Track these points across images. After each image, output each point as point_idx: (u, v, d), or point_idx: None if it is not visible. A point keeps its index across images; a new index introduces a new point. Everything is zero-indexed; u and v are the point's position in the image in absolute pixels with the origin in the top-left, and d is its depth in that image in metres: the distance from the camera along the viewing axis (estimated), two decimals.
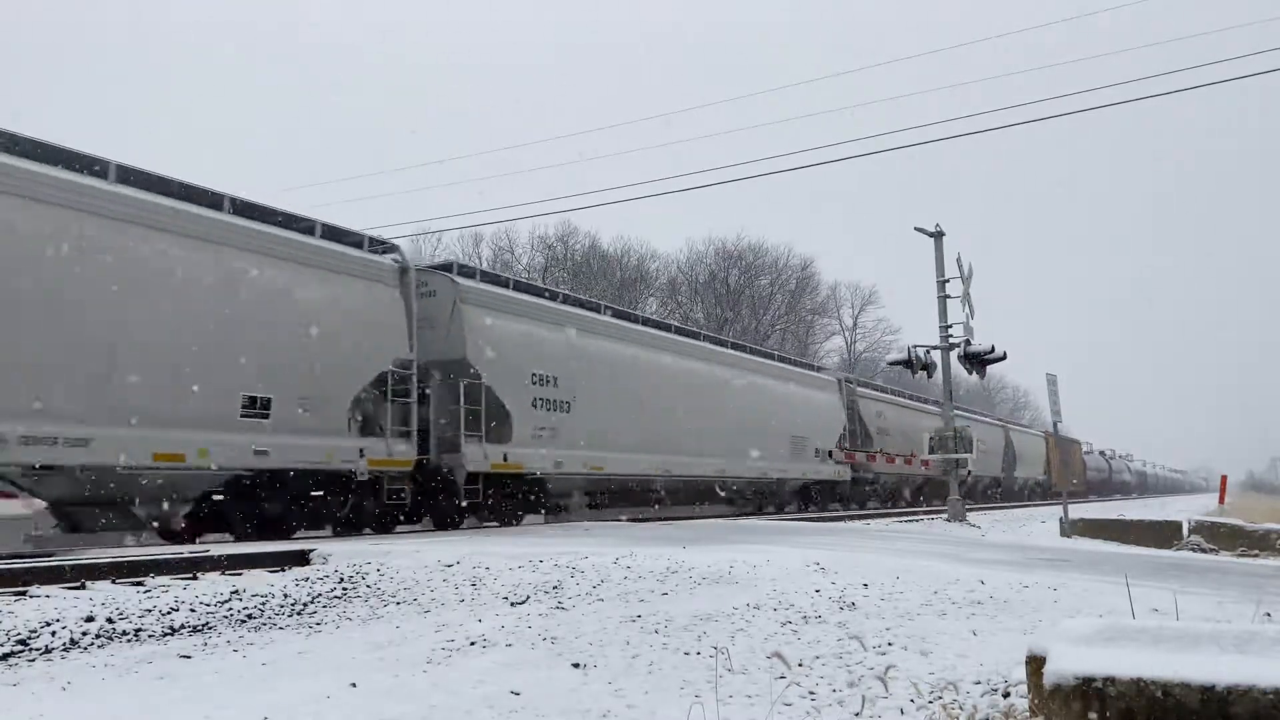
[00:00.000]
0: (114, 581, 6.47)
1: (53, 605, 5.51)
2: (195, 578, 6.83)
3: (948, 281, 19.71)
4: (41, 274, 9.02)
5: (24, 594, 5.95)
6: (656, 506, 18.75)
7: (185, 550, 8.47)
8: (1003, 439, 39.47)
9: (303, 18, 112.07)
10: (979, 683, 3.66)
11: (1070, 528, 15.44)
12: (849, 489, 26.70)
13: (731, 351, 22.24)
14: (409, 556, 7.43)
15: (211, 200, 10.88)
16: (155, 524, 10.59)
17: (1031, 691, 2.81)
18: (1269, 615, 5.07)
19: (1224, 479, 27.26)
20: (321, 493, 11.73)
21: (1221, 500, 24.10)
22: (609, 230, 61.83)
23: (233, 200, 11.14)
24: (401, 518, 13.39)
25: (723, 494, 21.06)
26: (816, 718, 3.36)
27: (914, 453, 27.23)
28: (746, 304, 52.41)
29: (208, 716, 3.38)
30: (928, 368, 20.16)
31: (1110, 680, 2.47)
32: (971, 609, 5.30)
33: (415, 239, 39.33)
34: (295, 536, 11.35)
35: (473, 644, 4.57)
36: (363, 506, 12.40)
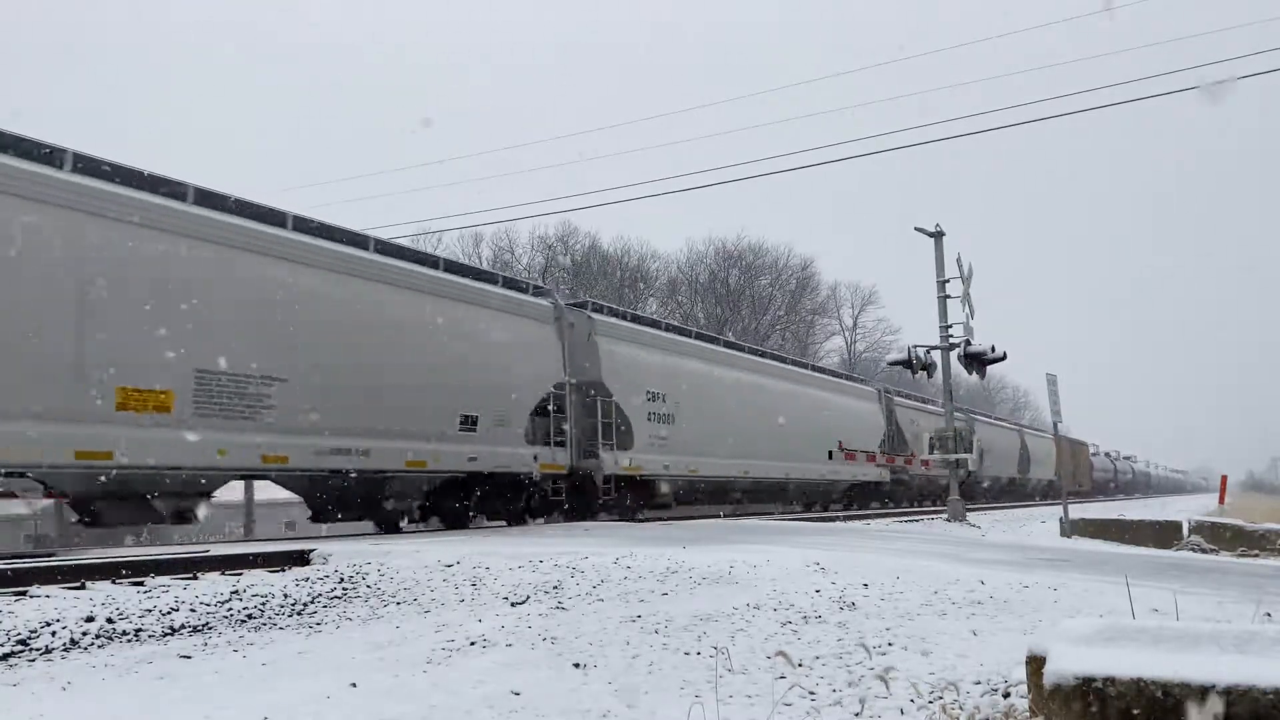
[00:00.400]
0: (114, 581, 6.47)
1: (53, 605, 5.51)
2: (195, 578, 6.83)
3: (948, 281, 19.71)
4: (352, 332, 11.98)
5: (24, 594, 5.95)
6: (736, 504, 21.84)
7: (185, 550, 8.47)
8: (1019, 442, 41.40)
9: (302, 18, 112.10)
10: (979, 683, 3.66)
11: (1070, 528, 15.44)
12: (890, 489, 29.21)
13: (793, 368, 25.54)
14: (409, 556, 7.43)
15: (431, 261, 14.24)
16: (401, 514, 13.47)
17: (1031, 691, 2.81)
18: (1269, 615, 5.07)
19: (1224, 479, 27.27)
20: (507, 491, 14.72)
21: (1221, 500, 24.10)
22: (609, 230, 61.92)
23: (446, 262, 14.84)
24: (558, 514, 15.86)
25: (788, 493, 24.19)
26: (817, 718, 3.36)
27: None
28: (746, 304, 52.42)
29: (208, 716, 3.38)
30: (928, 368, 20.17)
31: (1110, 680, 2.47)
32: (971, 609, 5.30)
33: (415, 239, 39.33)
34: (475, 526, 14.37)
35: (473, 644, 4.57)
36: (531, 502, 15.16)
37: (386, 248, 13.18)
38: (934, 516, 20.37)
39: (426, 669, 4.10)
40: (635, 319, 19.21)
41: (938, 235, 19.99)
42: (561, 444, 15.38)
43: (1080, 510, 19.74)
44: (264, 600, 5.98)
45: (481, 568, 6.91)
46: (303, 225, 11.74)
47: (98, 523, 9.85)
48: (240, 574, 7.01)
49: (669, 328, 20.64)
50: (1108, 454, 70.64)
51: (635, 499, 17.26)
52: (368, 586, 6.47)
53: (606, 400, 16.29)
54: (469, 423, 13.52)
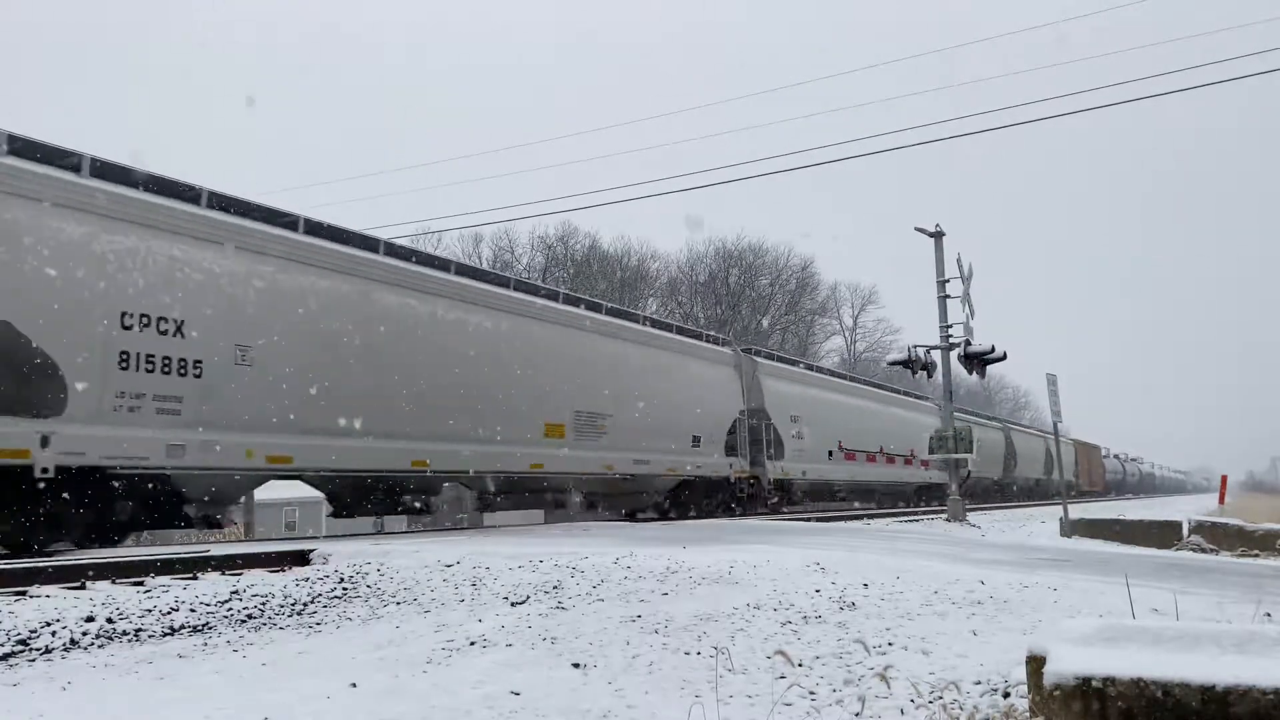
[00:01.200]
0: (114, 582, 6.47)
1: (53, 605, 5.51)
2: (195, 578, 6.83)
3: (948, 281, 19.70)
4: (643, 382, 18.04)
5: (24, 594, 5.95)
6: (842, 501, 27.44)
7: (185, 550, 8.47)
8: (1044, 447, 45.94)
9: (301, 18, 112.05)
10: (979, 683, 3.66)
11: (1070, 528, 15.43)
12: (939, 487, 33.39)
13: (879, 390, 32.03)
14: (409, 556, 7.43)
15: (665, 325, 20.90)
16: (653, 506, 19.16)
17: (1031, 691, 2.81)
18: (1269, 615, 5.07)
19: (1224, 479, 27.27)
20: (716, 491, 20.40)
21: (1221, 500, 24.10)
22: (609, 230, 61.90)
23: (678, 327, 21.88)
24: (736, 507, 20.96)
25: (876, 493, 29.50)
26: (817, 718, 3.36)
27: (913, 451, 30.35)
28: (746, 304, 52.42)
29: (207, 716, 3.38)
30: (928, 368, 20.15)
31: (1110, 680, 2.47)
32: (972, 609, 5.30)
33: (415, 239, 39.32)
34: (694, 516, 19.05)
35: (473, 644, 4.57)
36: (730, 499, 20.71)
37: (645, 319, 19.90)
38: (934, 516, 20.36)
39: (426, 669, 4.10)
40: (779, 358, 26.30)
41: (938, 235, 19.98)
42: (743, 457, 21.18)
43: (1080, 510, 19.72)
44: (264, 600, 5.98)
45: (481, 568, 6.90)
46: (576, 300, 17.93)
47: (518, 505, 16.61)
48: (240, 574, 7.01)
49: (801, 364, 28.01)
50: (1116, 456, 74.74)
51: (783, 497, 22.98)
52: (368, 586, 6.46)
53: (768, 423, 22.23)
54: (697, 441, 19.48)
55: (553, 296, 17.22)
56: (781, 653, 3.83)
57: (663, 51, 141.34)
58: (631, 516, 18.57)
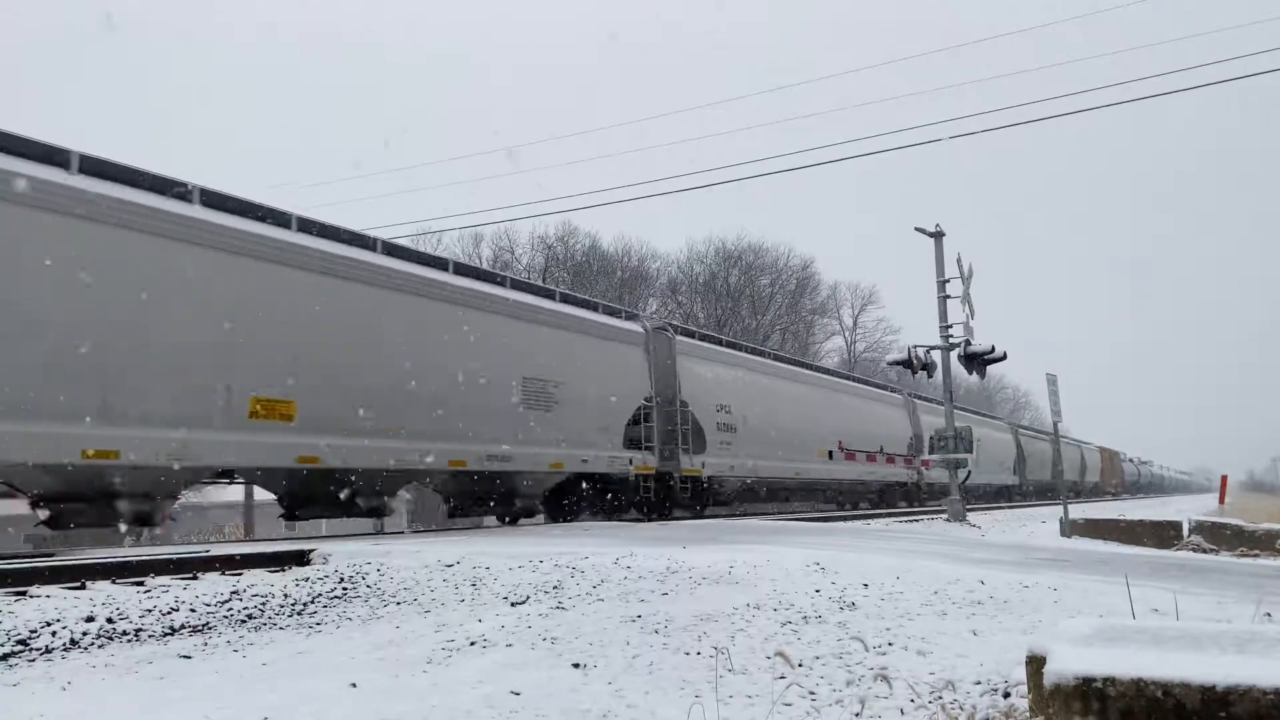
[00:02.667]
0: (114, 581, 6.47)
1: (53, 605, 5.51)
2: (195, 578, 6.82)
3: (948, 281, 19.70)
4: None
5: (24, 594, 5.94)
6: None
7: (185, 550, 8.47)
8: (1079, 454, 53.15)
9: (300, 17, 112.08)
10: (979, 683, 3.66)
11: (1070, 528, 15.43)
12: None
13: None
14: (409, 556, 7.43)
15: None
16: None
17: (1032, 692, 2.81)
18: (1269, 615, 5.06)
19: (1224, 479, 27.31)
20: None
21: (1222, 500, 24.13)
22: (609, 230, 61.86)
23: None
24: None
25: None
26: (817, 718, 3.35)
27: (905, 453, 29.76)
28: (746, 304, 52.39)
29: (207, 716, 3.38)
30: (928, 368, 20.14)
31: (1110, 680, 2.47)
32: (972, 609, 5.30)
33: (415, 239, 39.32)
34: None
35: (473, 644, 4.57)
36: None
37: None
38: (934, 516, 20.36)
39: (426, 669, 4.10)
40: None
41: (938, 235, 19.98)
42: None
43: (1080, 510, 19.73)
44: (264, 600, 5.98)
45: (481, 568, 6.90)
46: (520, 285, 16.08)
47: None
48: (240, 574, 7.01)
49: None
50: (1130, 459, 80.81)
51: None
52: (368, 586, 6.46)
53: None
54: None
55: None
56: (781, 653, 3.82)
57: (664, 51, 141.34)
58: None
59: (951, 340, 19.75)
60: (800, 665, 4.00)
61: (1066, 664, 2.58)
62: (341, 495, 12.08)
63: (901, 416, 30.97)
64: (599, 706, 3.48)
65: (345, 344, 11.73)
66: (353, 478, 12.05)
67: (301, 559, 7.80)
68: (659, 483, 17.84)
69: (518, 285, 15.73)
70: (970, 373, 20.23)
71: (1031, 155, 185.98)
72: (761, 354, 24.46)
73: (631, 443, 17.18)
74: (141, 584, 6.40)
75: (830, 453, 24.67)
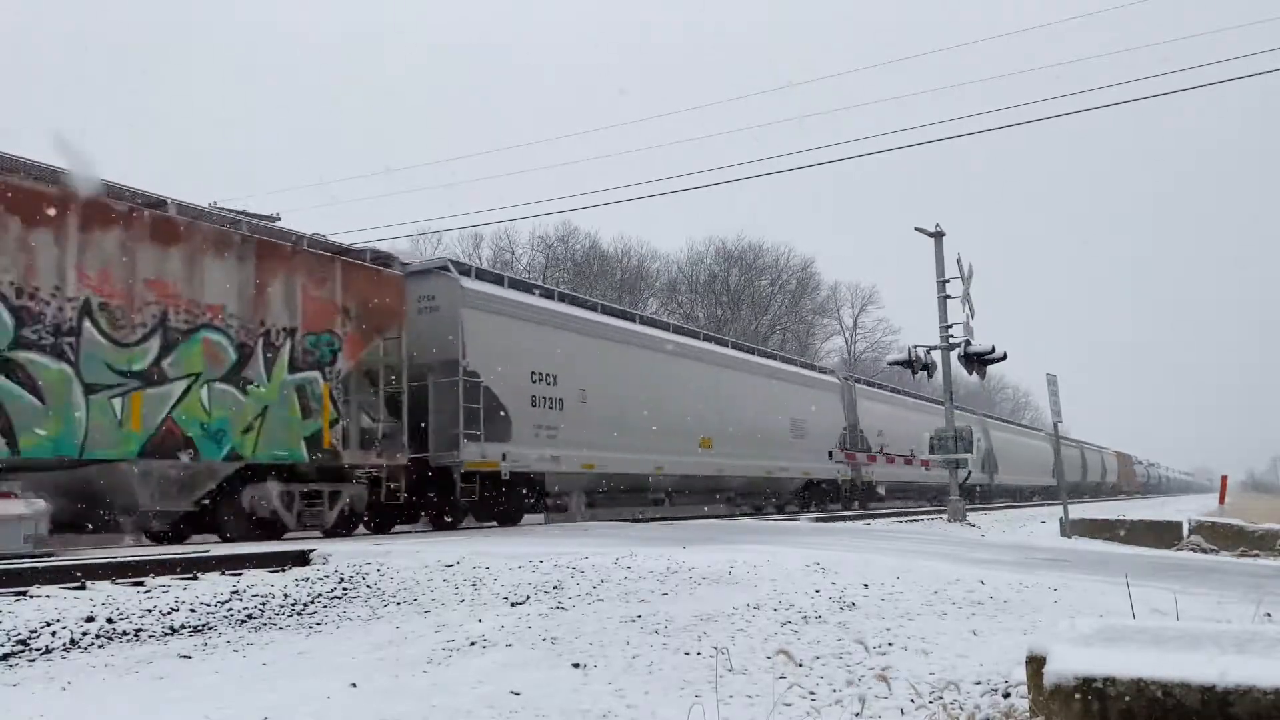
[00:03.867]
0: (114, 581, 6.47)
1: (53, 605, 5.51)
2: (195, 578, 6.83)
3: (948, 281, 19.70)
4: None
5: (24, 594, 5.95)
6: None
7: (185, 550, 8.48)
8: (1100, 458, 62.17)
9: (300, 17, 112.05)
10: (979, 683, 3.66)
11: (1070, 528, 15.44)
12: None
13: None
14: (409, 556, 7.43)
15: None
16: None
17: (1032, 692, 2.80)
18: (1269, 615, 5.07)
19: (1224, 479, 27.28)
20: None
21: (1222, 500, 24.11)
22: (609, 230, 61.87)
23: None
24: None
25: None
26: (817, 718, 3.35)
27: (913, 451, 28.03)
28: (747, 304, 52.42)
29: (207, 716, 3.38)
30: (928, 368, 20.15)
31: (1110, 680, 2.47)
32: (972, 609, 5.30)
33: (415, 239, 39.34)
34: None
35: (473, 644, 4.57)
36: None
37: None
38: (934, 516, 20.37)
39: (426, 669, 4.10)
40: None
41: (938, 235, 19.98)
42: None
43: (1080, 510, 19.73)
44: (264, 600, 5.98)
45: (481, 568, 6.90)
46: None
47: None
48: (240, 574, 7.01)
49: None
50: (1139, 461, 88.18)
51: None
52: (368, 587, 6.47)
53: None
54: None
55: None
56: (782, 652, 3.83)
57: (664, 51, 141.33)
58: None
59: (951, 340, 19.75)
60: (800, 665, 4.00)
61: (1066, 664, 2.58)
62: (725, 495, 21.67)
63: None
64: (599, 706, 3.48)
65: (720, 404, 20.48)
66: (733, 483, 21.38)
67: (301, 559, 7.80)
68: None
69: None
70: (970, 373, 20.24)
71: (1031, 155, 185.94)
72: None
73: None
74: (141, 584, 6.40)
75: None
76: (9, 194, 9.10)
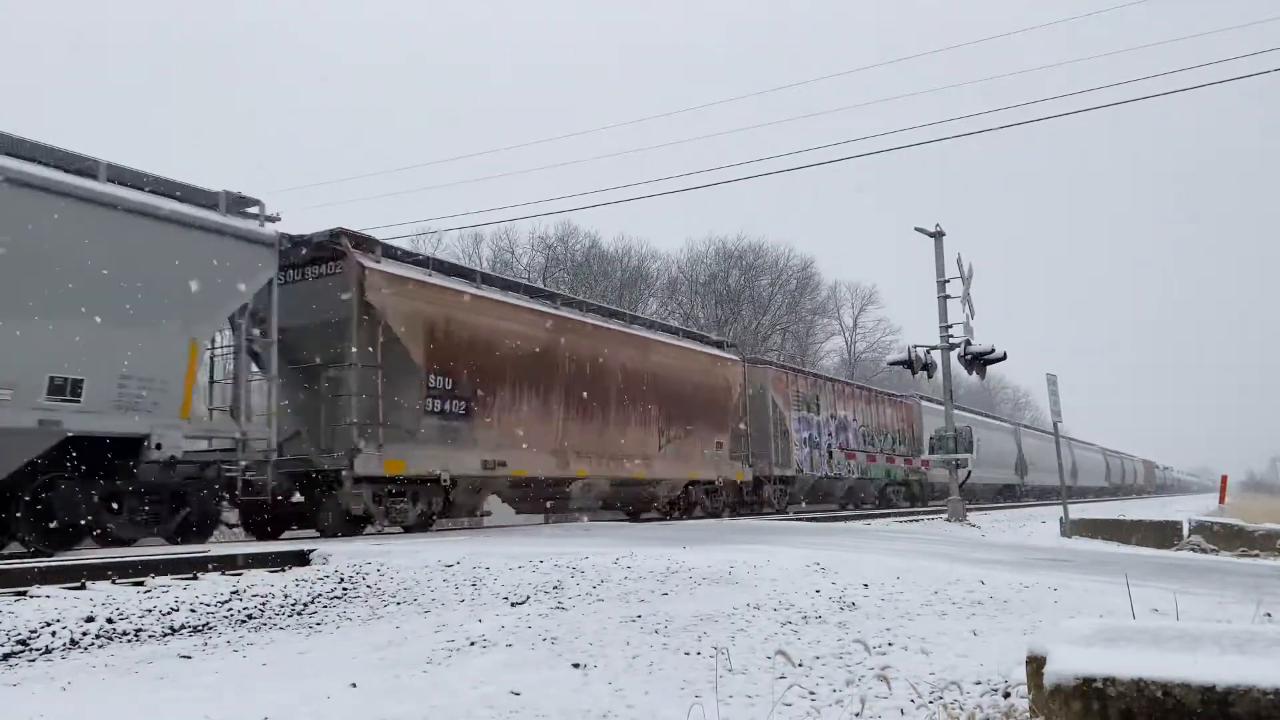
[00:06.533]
0: (114, 581, 6.47)
1: (53, 605, 5.51)
2: (195, 578, 6.83)
3: (948, 282, 19.70)
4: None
5: (24, 594, 5.95)
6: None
7: (185, 550, 8.47)
8: (1120, 462, 69.40)
9: (299, 17, 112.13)
10: (979, 683, 3.66)
11: (1070, 528, 15.43)
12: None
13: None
14: (409, 556, 7.43)
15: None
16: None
17: (1032, 692, 2.81)
18: (1269, 615, 5.07)
19: (1224, 479, 27.30)
20: None
21: (1222, 500, 24.12)
22: (609, 230, 61.88)
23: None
24: None
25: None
26: (817, 718, 3.35)
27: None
28: (747, 304, 52.39)
29: (207, 716, 3.38)
30: (928, 368, 20.14)
31: (1110, 680, 2.47)
32: (972, 609, 5.31)
33: (415, 239, 39.31)
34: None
35: (473, 644, 4.57)
36: None
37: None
38: (934, 516, 20.37)
39: (426, 669, 4.10)
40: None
41: (938, 235, 19.99)
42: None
43: (1080, 510, 19.73)
44: (264, 600, 5.98)
45: (481, 568, 6.90)
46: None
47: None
48: (240, 574, 7.01)
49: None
50: (1158, 466, 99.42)
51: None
52: (368, 587, 6.47)
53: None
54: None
55: None
56: (782, 653, 3.83)
57: (664, 51, 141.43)
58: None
59: (952, 340, 19.75)
60: (800, 665, 4.00)
61: (1066, 664, 2.58)
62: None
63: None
64: (599, 707, 3.48)
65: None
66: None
67: (301, 559, 7.80)
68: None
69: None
70: (970, 373, 20.23)
71: (1031, 155, 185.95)
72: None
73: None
74: (141, 584, 6.40)
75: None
76: None
